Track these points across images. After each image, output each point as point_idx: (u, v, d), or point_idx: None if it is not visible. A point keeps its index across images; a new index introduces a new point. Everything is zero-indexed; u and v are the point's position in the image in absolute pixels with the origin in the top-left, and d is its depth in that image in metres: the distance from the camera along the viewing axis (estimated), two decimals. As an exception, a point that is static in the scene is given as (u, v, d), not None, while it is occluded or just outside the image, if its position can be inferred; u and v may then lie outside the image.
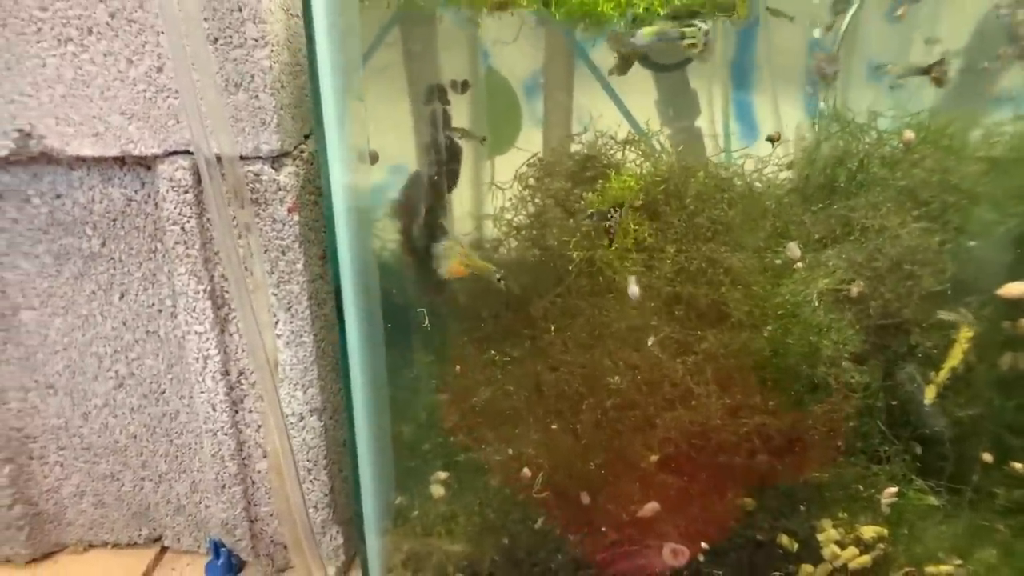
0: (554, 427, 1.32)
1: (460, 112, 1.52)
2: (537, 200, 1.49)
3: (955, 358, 1.32)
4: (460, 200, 1.56)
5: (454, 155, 1.47)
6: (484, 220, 1.58)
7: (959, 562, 1.26)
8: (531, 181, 1.48)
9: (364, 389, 1.26)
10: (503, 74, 1.55)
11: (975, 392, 1.31)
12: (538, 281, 1.44)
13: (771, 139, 1.34)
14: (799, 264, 1.26)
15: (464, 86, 1.45)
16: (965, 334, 1.31)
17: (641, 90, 1.52)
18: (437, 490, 1.33)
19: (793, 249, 1.19)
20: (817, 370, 1.22)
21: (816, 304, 1.16)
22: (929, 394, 1.31)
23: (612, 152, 1.44)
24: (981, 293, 1.30)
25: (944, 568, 1.27)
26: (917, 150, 1.35)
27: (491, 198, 1.50)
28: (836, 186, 1.39)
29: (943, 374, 1.31)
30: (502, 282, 1.35)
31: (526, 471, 1.31)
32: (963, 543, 1.27)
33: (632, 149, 1.45)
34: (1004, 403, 1.30)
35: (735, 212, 1.35)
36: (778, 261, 1.20)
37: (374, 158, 1.33)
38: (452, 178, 1.50)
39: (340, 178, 1.18)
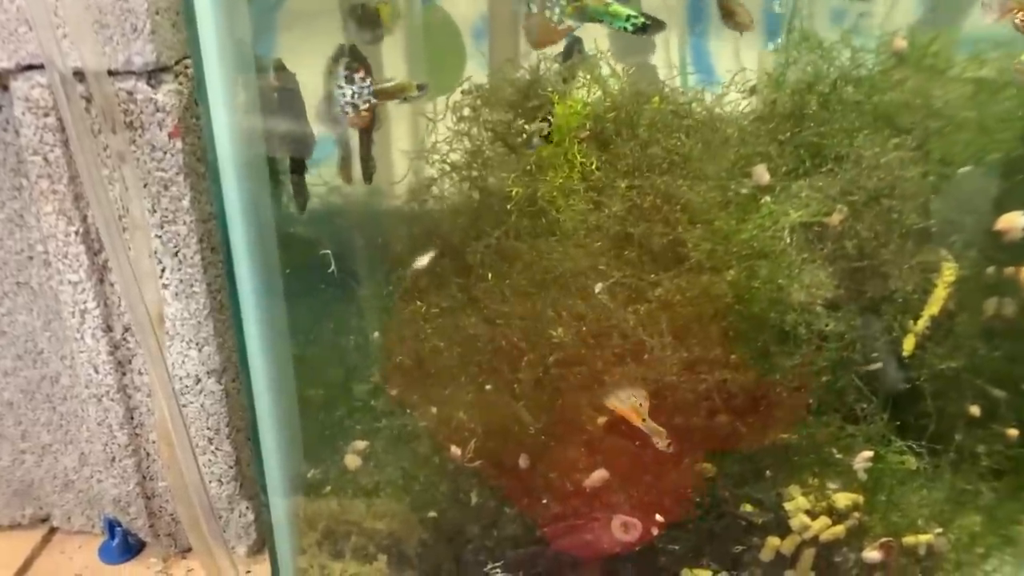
0: (489, 387, 1.15)
1: (394, 54, 1.34)
2: (474, 132, 1.30)
3: (935, 304, 1.17)
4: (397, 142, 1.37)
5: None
6: (419, 159, 1.38)
7: (940, 530, 1.13)
8: (466, 112, 1.29)
9: (263, 346, 1.07)
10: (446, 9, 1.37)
11: (957, 342, 1.17)
12: (474, 223, 1.27)
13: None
14: (766, 197, 1.10)
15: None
16: (947, 277, 1.17)
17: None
18: (354, 461, 1.15)
19: (760, 173, 1.02)
20: (787, 318, 1.06)
21: (787, 240, 1.00)
22: (907, 345, 1.17)
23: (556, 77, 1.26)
24: (966, 231, 1.16)
25: (924, 537, 1.13)
26: (897, 71, 1.19)
27: (430, 136, 1.31)
28: (805, 113, 1.23)
29: (922, 322, 1.17)
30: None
31: (457, 439, 1.15)
32: (944, 509, 1.14)
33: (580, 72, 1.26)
34: (990, 354, 1.17)
35: (693, 142, 1.18)
36: (744, 191, 1.04)
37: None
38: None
39: (222, 97, 0.98)
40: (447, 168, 1.29)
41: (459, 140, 1.28)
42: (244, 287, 1.05)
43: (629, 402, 1.10)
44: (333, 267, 1.13)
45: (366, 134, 1.36)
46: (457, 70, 1.42)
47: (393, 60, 1.33)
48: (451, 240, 1.29)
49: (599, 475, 1.12)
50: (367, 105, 1.16)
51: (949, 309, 1.16)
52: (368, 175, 1.38)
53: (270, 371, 1.09)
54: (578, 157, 1.19)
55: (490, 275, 1.21)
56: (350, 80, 1.13)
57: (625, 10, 1.07)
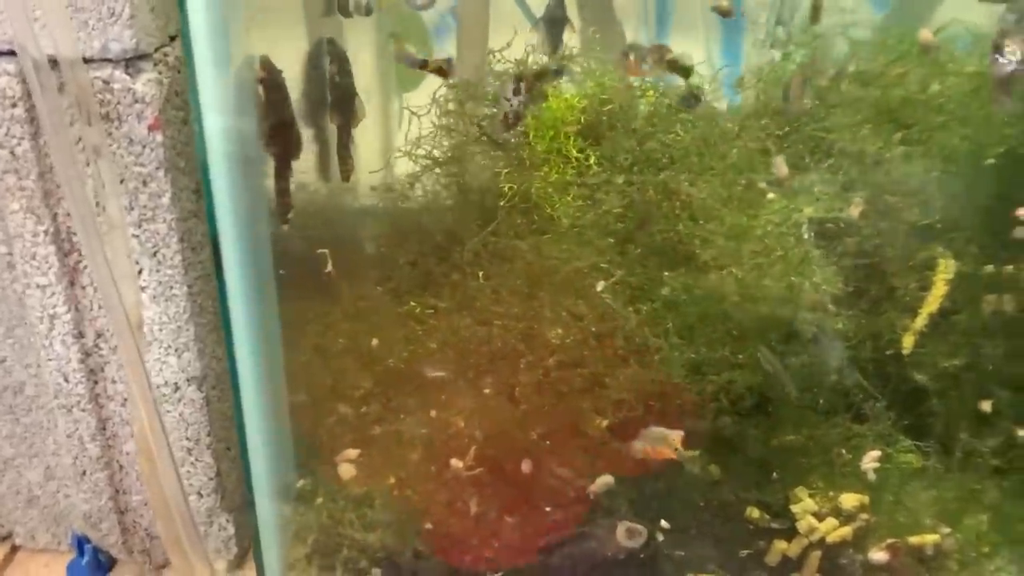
0: (487, 391, 1.11)
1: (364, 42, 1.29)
2: (459, 128, 1.25)
3: (934, 302, 1.15)
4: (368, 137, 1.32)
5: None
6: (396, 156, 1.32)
7: (947, 530, 1.12)
8: (451, 106, 1.24)
9: (252, 351, 1.01)
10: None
11: (958, 340, 1.16)
12: (463, 223, 1.23)
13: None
14: (770, 195, 1.07)
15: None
16: (944, 274, 1.15)
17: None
18: (347, 470, 1.10)
19: (780, 165, 0.99)
20: (797, 316, 1.04)
21: (804, 236, 0.97)
22: (906, 343, 1.15)
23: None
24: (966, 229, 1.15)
25: (930, 538, 1.12)
26: (897, 63, 1.17)
27: (405, 131, 1.25)
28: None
29: (920, 320, 1.15)
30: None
31: (454, 446, 1.10)
32: (951, 509, 1.12)
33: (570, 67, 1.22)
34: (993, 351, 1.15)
35: (691, 136, 1.15)
36: (762, 184, 1.01)
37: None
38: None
39: (213, 88, 0.92)
40: (429, 163, 1.24)
41: (443, 135, 1.24)
42: (233, 287, 0.99)
43: (663, 441, 1.07)
44: (330, 267, 1.07)
45: (344, 130, 1.31)
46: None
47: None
48: (435, 238, 1.24)
49: (603, 481, 1.08)
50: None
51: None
52: (346, 173, 1.33)
53: (259, 376, 1.03)
54: (573, 151, 1.16)
55: (480, 274, 1.16)
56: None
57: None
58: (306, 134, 1.30)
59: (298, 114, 1.25)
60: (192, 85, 0.90)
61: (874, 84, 1.16)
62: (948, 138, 1.13)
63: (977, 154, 1.13)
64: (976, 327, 1.15)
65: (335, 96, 1.26)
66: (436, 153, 1.22)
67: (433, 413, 1.14)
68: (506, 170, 1.18)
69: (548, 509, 1.09)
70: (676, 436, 1.05)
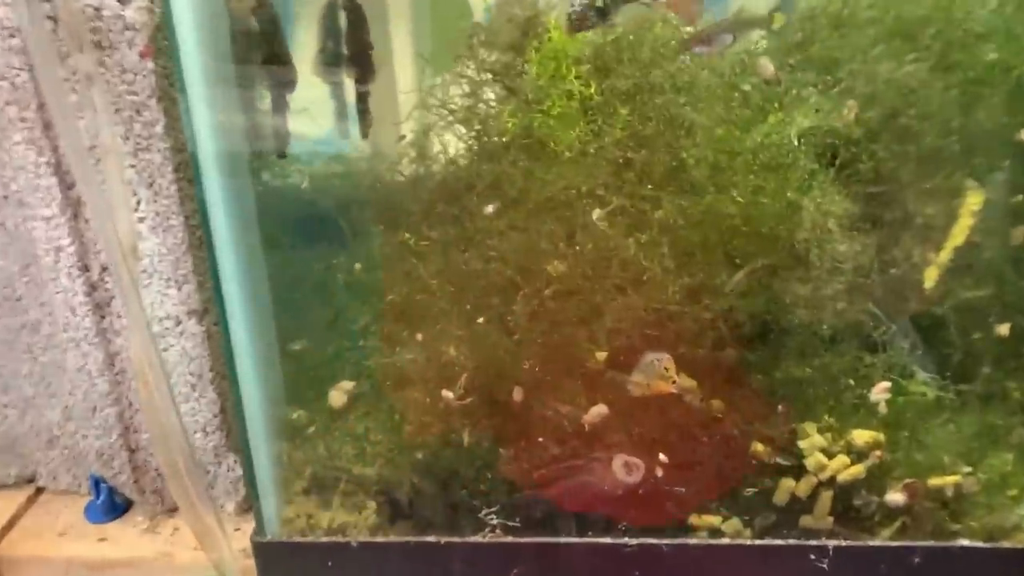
0: (482, 321, 1.09)
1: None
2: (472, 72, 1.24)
3: (959, 235, 1.09)
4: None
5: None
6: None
7: (968, 470, 1.05)
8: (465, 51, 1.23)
9: (241, 281, 1.01)
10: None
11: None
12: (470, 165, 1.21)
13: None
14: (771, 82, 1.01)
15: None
16: (971, 205, 1.09)
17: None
18: (337, 397, 1.09)
19: (765, 66, 0.95)
20: (797, 237, 0.99)
21: (798, 146, 0.93)
22: (929, 277, 1.09)
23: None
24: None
25: (950, 479, 1.05)
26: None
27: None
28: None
29: (945, 253, 1.09)
30: None
31: (449, 378, 1.08)
32: (973, 447, 1.06)
33: None
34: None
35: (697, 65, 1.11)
36: (748, 87, 0.96)
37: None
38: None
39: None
40: (447, 113, 1.23)
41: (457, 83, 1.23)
42: (217, 215, 0.99)
43: (656, 374, 1.04)
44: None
45: (362, 85, 1.31)
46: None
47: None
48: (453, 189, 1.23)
49: (597, 411, 1.05)
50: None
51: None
52: (365, 129, 1.33)
53: (249, 311, 1.03)
54: (576, 85, 1.13)
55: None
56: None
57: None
58: (323, 90, 1.32)
59: (315, 67, 1.27)
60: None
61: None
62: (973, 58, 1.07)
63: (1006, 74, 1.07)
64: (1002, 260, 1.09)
65: (352, 51, 1.26)
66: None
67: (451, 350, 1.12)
68: (509, 107, 1.16)
69: (541, 440, 1.06)
70: (669, 362, 1.01)
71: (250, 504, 1.30)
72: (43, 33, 0.96)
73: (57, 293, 1.15)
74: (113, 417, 1.22)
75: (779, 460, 1.06)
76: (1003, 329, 1.04)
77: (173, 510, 1.31)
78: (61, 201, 1.10)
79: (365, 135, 1.33)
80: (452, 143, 1.25)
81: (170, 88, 1.05)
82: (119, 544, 1.26)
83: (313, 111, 1.30)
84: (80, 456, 1.33)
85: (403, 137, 1.25)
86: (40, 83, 1.00)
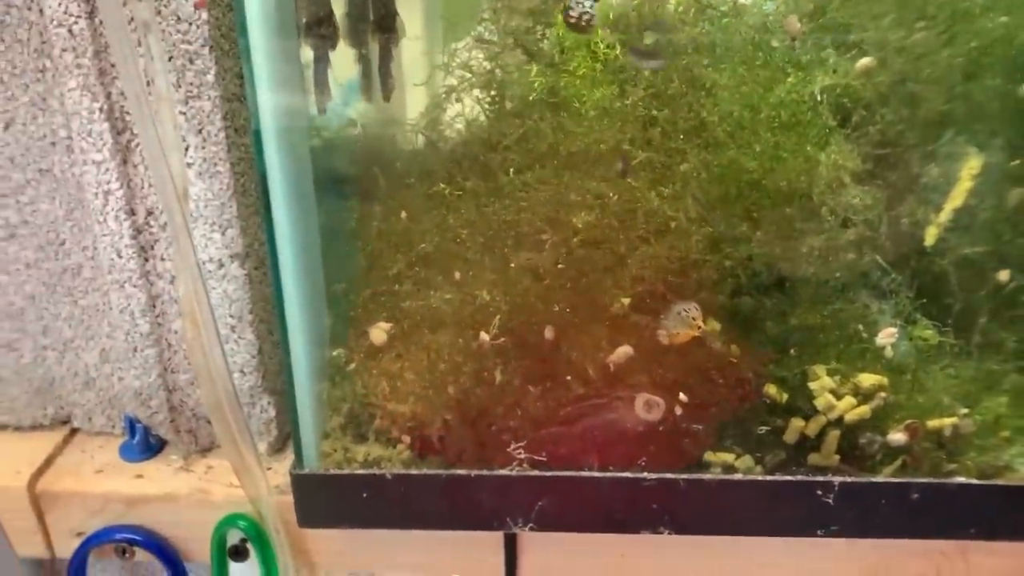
0: (512, 267, 1.15)
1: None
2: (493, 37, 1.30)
3: (959, 196, 1.16)
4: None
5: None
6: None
7: (965, 411, 1.13)
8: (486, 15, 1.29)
9: (292, 226, 1.07)
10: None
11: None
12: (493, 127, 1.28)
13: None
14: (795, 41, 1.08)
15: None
16: (970, 168, 1.16)
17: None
18: (378, 335, 1.15)
19: (792, 22, 1.02)
20: (814, 191, 1.06)
21: (819, 101, 0.99)
22: (930, 235, 1.16)
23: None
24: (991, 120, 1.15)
25: (948, 420, 1.13)
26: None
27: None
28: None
29: (945, 214, 1.16)
30: None
31: (481, 320, 1.15)
32: (970, 390, 1.13)
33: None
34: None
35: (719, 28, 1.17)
36: (775, 44, 1.03)
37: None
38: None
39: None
40: (467, 76, 1.29)
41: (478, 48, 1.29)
42: (272, 163, 1.04)
43: (684, 323, 1.10)
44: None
45: (385, 48, 1.36)
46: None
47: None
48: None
49: (622, 351, 1.11)
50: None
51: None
52: (387, 92, 1.38)
53: (298, 255, 1.09)
54: (600, 46, 1.19)
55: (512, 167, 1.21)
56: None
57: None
58: (348, 53, 1.36)
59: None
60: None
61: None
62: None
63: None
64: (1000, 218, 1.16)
65: (377, 14, 1.32)
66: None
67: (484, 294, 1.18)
68: (536, 67, 1.22)
69: (568, 378, 1.13)
70: (696, 312, 1.08)
71: (280, 445, 1.36)
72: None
73: (104, 236, 1.20)
74: (153, 358, 1.27)
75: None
76: (1003, 275, 1.10)
77: (207, 450, 1.37)
78: (112, 146, 1.14)
79: (387, 98, 1.38)
80: (473, 106, 1.31)
81: (222, 39, 1.10)
82: (155, 481, 1.31)
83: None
84: (115, 398, 1.38)
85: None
86: (105, 26, 1.05)
